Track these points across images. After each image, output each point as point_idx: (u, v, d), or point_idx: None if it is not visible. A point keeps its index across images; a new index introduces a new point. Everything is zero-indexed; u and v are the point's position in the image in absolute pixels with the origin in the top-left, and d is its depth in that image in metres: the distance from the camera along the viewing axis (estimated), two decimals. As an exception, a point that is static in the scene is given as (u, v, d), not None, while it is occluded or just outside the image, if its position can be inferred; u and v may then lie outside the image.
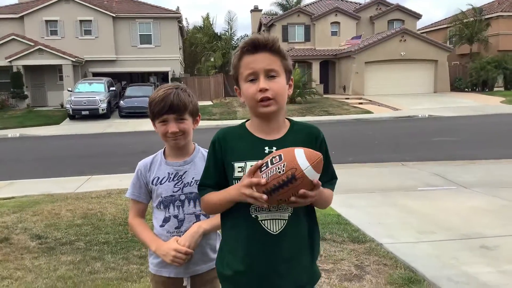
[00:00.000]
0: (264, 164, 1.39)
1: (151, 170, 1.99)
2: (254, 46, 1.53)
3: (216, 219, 1.92)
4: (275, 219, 1.54)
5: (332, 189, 1.64)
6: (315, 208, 1.65)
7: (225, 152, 1.58)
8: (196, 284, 1.97)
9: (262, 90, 1.51)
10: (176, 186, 1.95)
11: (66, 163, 11.14)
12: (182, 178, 1.96)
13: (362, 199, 6.22)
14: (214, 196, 1.58)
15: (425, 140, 12.91)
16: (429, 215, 5.38)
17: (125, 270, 3.94)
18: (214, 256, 1.99)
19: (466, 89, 30.38)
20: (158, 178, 1.97)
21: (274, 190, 1.36)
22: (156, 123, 1.94)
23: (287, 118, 1.66)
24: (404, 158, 9.64)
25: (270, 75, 1.53)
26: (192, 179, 1.95)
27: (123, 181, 7.59)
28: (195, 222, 1.95)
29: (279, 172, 1.34)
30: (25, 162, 11.70)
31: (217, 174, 1.60)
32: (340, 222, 5.09)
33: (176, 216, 1.95)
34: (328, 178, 1.62)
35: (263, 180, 1.36)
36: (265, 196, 1.37)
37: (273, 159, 1.37)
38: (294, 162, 1.34)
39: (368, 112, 22.22)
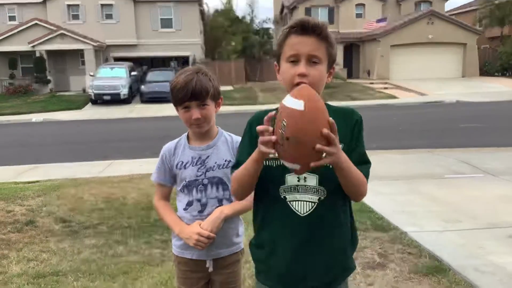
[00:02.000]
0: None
1: (175, 155, 2.03)
2: (302, 28, 1.49)
3: (238, 205, 1.95)
4: (304, 201, 1.52)
5: (365, 173, 1.54)
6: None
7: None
8: (218, 267, 2.02)
9: (301, 75, 1.47)
10: (199, 170, 1.98)
11: (89, 147, 11.33)
12: (205, 162, 1.98)
13: (387, 186, 6.12)
14: (240, 168, 1.53)
15: (452, 126, 12.63)
16: (455, 203, 5.27)
17: (147, 254, 3.98)
18: (237, 240, 2.06)
19: (496, 74, 29.45)
20: (182, 162, 2.00)
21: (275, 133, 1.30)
22: (179, 109, 1.96)
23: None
24: (430, 144, 9.45)
25: (312, 60, 1.49)
26: (215, 163, 1.98)
27: (145, 166, 7.66)
28: (218, 206, 1.97)
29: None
30: (49, 146, 11.94)
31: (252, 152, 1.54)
32: (364, 209, 5.01)
33: (199, 200, 1.98)
34: (357, 158, 1.53)
35: (270, 128, 1.31)
36: (270, 128, 1.31)
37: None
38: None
39: (393, 97, 21.85)
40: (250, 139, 1.58)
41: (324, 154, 1.29)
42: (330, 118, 1.27)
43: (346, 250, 1.61)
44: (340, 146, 1.39)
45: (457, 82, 25.84)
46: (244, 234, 2.13)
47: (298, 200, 1.52)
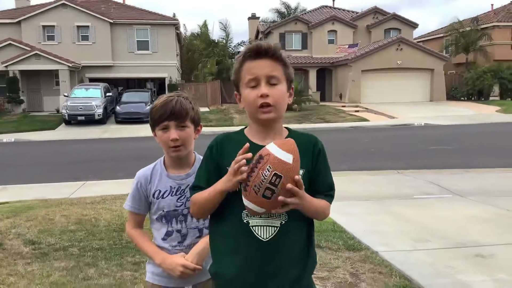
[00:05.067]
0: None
1: (152, 182, 1.94)
2: (256, 52, 1.54)
3: None
4: (266, 226, 1.53)
5: (329, 201, 1.61)
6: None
7: (221, 156, 1.58)
8: None
9: (263, 96, 1.52)
10: (179, 200, 1.91)
11: (61, 168, 11.09)
12: (185, 192, 1.91)
13: (358, 206, 6.22)
14: (202, 193, 1.57)
15: (421, 148, 12.95)
16: (424, 223, 5.38)
17: (119, 277, 3.90)
18: None
19: (462, 98, 30.57)
20: (160, 191, 1.92)
21: (249, 176, 1.38)
22: (157, 130, 1.90)
23: (285, 127, 1.66)
24: (400, 166, 9.65)
25: (271, 82, 1.53)
26: None
27: (118, 187, 7.56)
28: (198, 236, 1.93)
29: (254, 161, 1.39)
30: (20, 167, 11.64)
31: (211, 177, 1.58)
32: (336, 229, 5.07)
33: (179, 231, 1.92)
34: (326, 189, 1.61)
35: (241, 159, 1.39)
36: (244, 168, 1.38)
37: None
38: (264, 149, 1.39)
39: (365, 120, 22.30)
40: (209, 165, 1.61)
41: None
42: (297, 177, 1.37)
43: (306, 273, 1.62)
44: (301, 171, 1.49)
45: (425, 106, 26.63)
46: None
47: (261, 225, 1.52)
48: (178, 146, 1.86)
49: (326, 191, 1.60)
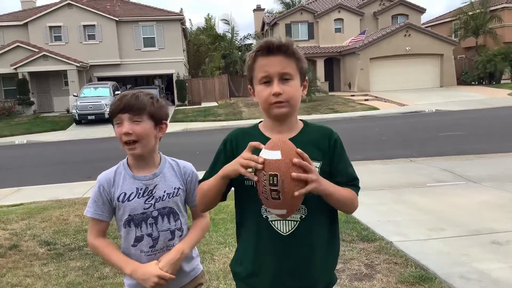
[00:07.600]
0: None
1: (115, 185, 1.82)
2: (268, 49, 1.52)
3: (194, 236, 1.89)
4: (286, 220, 1.52)
5: (355, 191, 1.59)
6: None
7: (236, 151, 1.56)
8: None
9: (276, 95, 1.50)
10: (147, 202, 1.81)
11: (74, 168, 11.18)
12: (153, 193, 1.82)
13: (371, 196, 6.17)
14: (207, 181, 1.56)
15: (432, 135, 12.82)
16: (438, 212, 5.33)
17: (134, 275, 3.92)
18: (193, 265, 1.96)
19: (473, 83, 30.15)
20: (125, 194, 1.81)
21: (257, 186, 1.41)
22: (114, 126, 1.80)
23: (301, 120, 1.64)
24: (412, 154, 9.57)
25: (284, 78, 1.52)
26: (164, 192, 1.83)
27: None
28: (170, 238, 1.85)
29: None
30: (33, 168, 11.76)
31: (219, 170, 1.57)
32: (349, 220, 5.04)
33: (150, 235, 1.82)
34: (347, 180, 1.58)
35: (260, 159, 1.36)
36: (255, 178, 1.37)
37: None
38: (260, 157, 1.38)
39: (375, 108, 22.13)
40: (224, 160, 1.57)
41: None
42: (298, 149, 1.34)
43: (328, 268, 1.62)
44: (318, 164, 1.48)
45: (436, 92, 26.33)
46: (198, 254, 2.04)
47: (280, 220, 1.52)
48: (132, 141, 1.75)
49: (348, 181, 1.58)
